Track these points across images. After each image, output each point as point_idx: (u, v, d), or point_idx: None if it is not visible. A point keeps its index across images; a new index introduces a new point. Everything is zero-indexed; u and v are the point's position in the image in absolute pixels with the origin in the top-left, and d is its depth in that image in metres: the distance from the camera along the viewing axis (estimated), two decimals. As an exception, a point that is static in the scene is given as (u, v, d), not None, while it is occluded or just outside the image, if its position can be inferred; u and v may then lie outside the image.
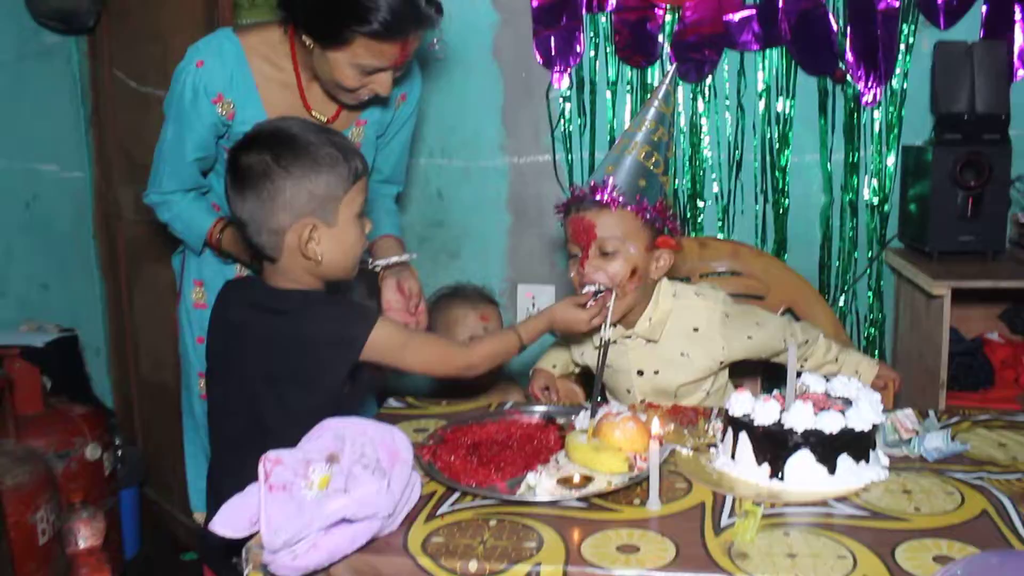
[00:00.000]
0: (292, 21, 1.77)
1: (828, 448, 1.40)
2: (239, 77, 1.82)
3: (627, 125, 1.96)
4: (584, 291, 1.75)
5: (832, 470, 1.41)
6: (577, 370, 2.10)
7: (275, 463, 1.27)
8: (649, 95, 1.99)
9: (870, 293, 2.65)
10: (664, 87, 1.85)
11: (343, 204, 1.58)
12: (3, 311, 2.90)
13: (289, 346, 1.60)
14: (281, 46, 1.85)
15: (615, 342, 1.87)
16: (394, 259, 1.95)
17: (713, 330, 1.84)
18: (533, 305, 2.82)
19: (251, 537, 1.26)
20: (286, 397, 1.60)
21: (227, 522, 1.25)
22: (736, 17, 2.56)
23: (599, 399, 1.63)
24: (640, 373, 1.90)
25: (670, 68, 2.02)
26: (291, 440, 1.36)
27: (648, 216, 1.76)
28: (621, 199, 1.74)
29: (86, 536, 2.34)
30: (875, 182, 2.60)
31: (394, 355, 1.64)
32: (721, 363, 1.88)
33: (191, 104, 1.81)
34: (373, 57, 1.71)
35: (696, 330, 1.85)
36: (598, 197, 1.74)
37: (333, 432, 1.35)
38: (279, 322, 1.61)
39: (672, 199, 1.92)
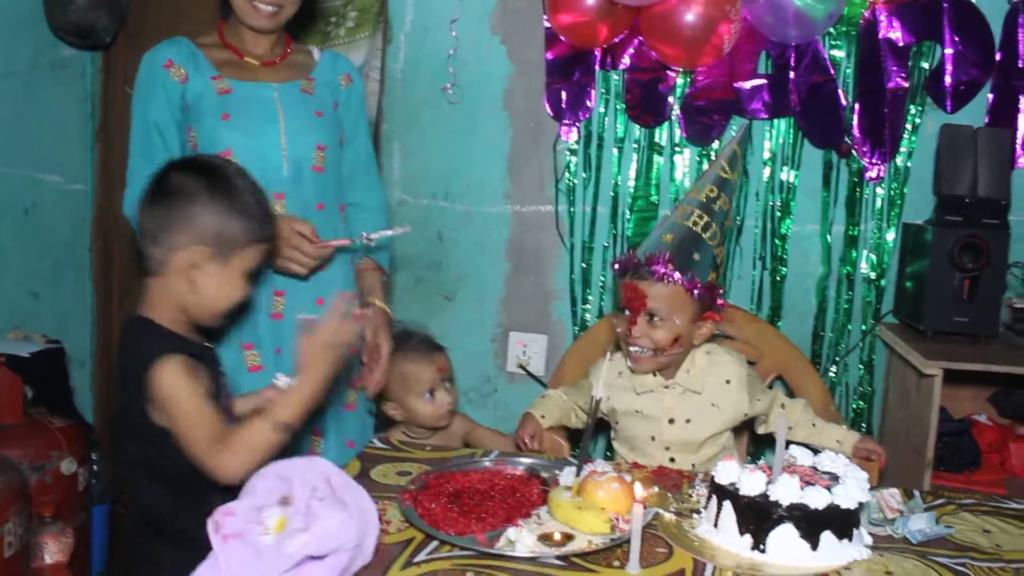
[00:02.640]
0: None
1: (812, 524, 1.39)
2: (187, 52, 1.98)
3: (695, 188, 1.99)
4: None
5: (815, 546, 1.40)
6: (574, 420, 2.09)
7: (225, 514, 1.28)
8: (718, 154, 2.01)
9: (861, 366, 2.65)
10: (731, 147, 1.96)
11: (241, 255, 1.61)
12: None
13: (121, 378, 1.62)
14: (216, 33, 2.05)
15: (652, 391, 1.98)
16: (388, 232, 2.00)
17: (741, 385, 1.98)
18: (524, 353, 2.81)
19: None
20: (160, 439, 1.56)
21: None
22: (747, 85, 2.59)
23: (585, 457, 1.62)
24: (671, 421, 1.98)
25: (742, 125, 2.05)
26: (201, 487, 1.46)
27: (697, 294, 1.88)
28: (676, 275, 1.86)
29: (53, 551, 2.31)
30: (873, 257, 2.61)
31: (169, 404, 1.53)
32: (745, 415, 2.00)
33: (147, 77, 1.96)
34: None
35: (728, 382, 1.99)
36: (653, 269, 1.85)
37: (275, 475, 1.35)
38: (120, 352, 1.66)
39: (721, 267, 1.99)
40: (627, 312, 1.91)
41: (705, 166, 2.62)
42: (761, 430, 2.05)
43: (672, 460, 1.99)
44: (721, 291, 1.98)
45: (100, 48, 3.06)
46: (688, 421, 1.98)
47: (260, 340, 1.97)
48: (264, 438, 1.52)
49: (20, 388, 2.57)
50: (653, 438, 2.00)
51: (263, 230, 1.63)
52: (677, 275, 1.86)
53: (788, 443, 1.55)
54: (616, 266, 1.95)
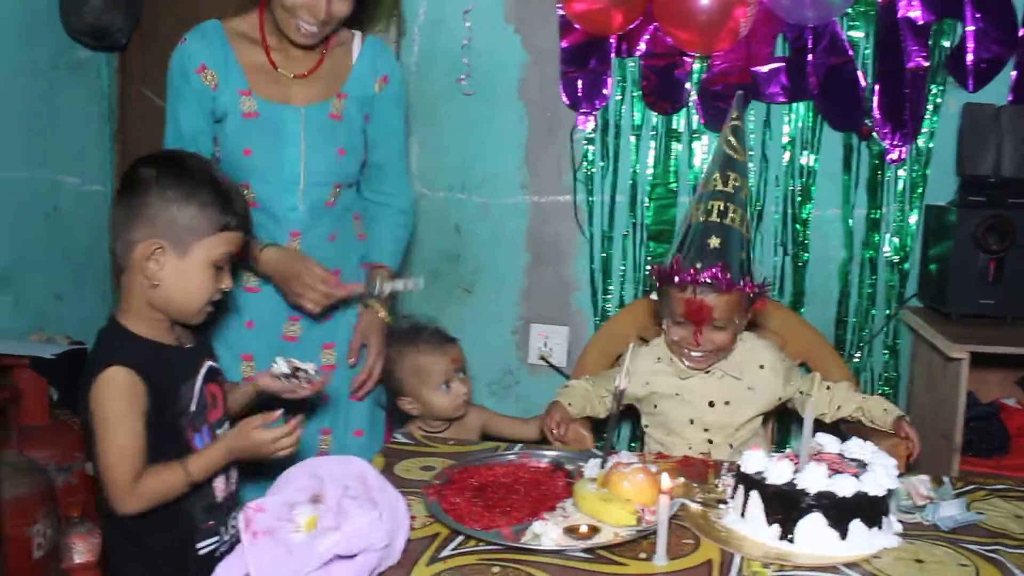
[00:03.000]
0: None
1: (840, 512, 1.38)
2: (219, 52, 1.93)
3: (715, 180, 1.93)
4: (273, 413, 1.59)
5: (844, 535, 1.38)
6: (599, 409, 2.09)
7: (256, 510, 1.28)
8: (722, 138, 1.97)
9: (886, 351, 2.62)
10: (731, 125, 1.95)
11: (200, 245, 1.58)
12: (16, 320, 2.90)
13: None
14: (255, 20, 1.97)
15: (694, 375, 2.00)
16: (400, 284, 1.97)
17: (775, 369, 2.02)
18: (546, 344, 2.80)
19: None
20: None
21: None
22: (765, 69, 2.56)
23: (609, 448, 1.61)
24: (711, 404, 2.01)
25: (737, 96, 2.01)
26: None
27: (752, 293, 1.92)
28: (740, 284, 1.89)
29: (82, 551, 2.32)
30: (896, 240, 2.58)
31: (98, 423, 1.51)
32: (779, 399, 2.04)
33: (180, 79, 1.93)
34: None
35: (762, 367, 2.02)
36: (716, 282, 1.86)
37: (307, 472, 1.35)
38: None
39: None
40: (684, 322, 1.92)
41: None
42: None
43: (710, 442, 2.00)
44: (769, 284, 2.03)
45: (116, 49, 3.06)
46: (727, 404, 2.00)
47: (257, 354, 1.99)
48: (172, 489, 1.53)
49: (45, 390, 2.58)
50: (692, 421, 2.01)
51: (224, 218, 1.59)
52: (741, 283, 1.88)
53: (820, 428, 1.54)
54: (673, 279, 1.90)
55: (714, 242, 1.88)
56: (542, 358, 2.81)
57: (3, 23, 2.74)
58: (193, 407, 1.61)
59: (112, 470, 1.50)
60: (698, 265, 1.87)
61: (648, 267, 2.11)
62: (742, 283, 1.88)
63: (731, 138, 1.95)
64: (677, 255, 1.92)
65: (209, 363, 1.68)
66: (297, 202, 1.97)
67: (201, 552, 1.61)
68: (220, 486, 1.64)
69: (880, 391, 2.62)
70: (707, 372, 2.00)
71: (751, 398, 2.01)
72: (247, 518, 1.31)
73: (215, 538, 1.63)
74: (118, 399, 1.50)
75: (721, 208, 1.90)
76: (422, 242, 2.83)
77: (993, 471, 2.23)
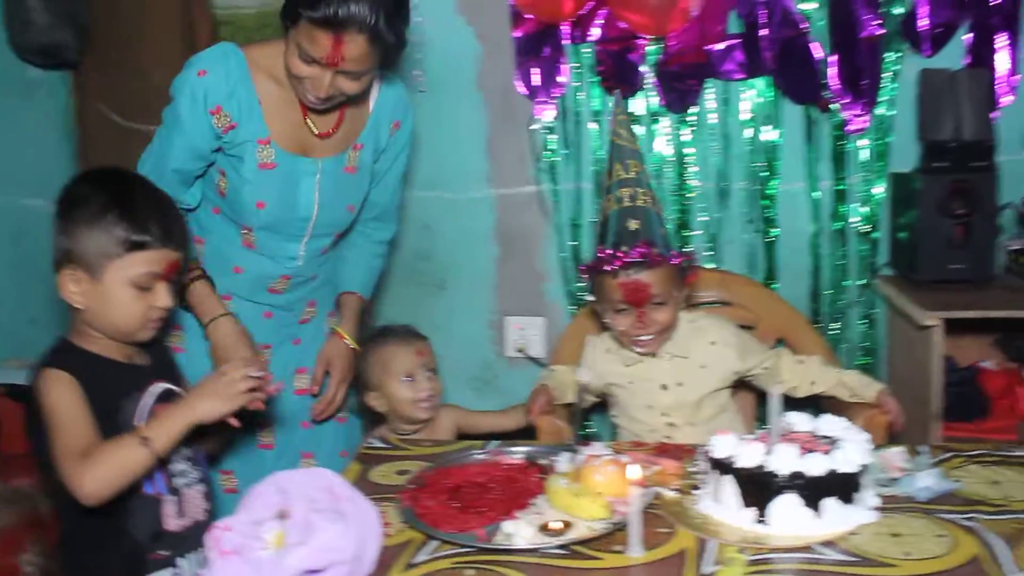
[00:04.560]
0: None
1: (814, 491, 1.37)
2: (242, 90, 1.82)
3: (611, 169, 1.98)
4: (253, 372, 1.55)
5: (818, 513, 1.37)
6: (572, 398, 2.08)
7: (224, 529, 1.27)
8: (612, 133, 2.01)
9: (863, 321, 2.62)
10: (616, 121, 1.99)
11: (113, 267, 1.54)
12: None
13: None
14: (283, 59, 1.83)
15: (641, 361, 2.01)
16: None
17: (727, 344, 2.03)
18: (522, 336, 2.79)
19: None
20: None
21: None
22: (719, 47, 2.54)
23: (580, 440, 1.60)
24: (664, 387, 2.01)
25: (615, 99, 2.10)
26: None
27: (679, 262, 1.93)
28: (666, 255, 1.90)
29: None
30: (864, 210, 2.57)
31: (46, 417, 1.50)
32: (736, 373, 2.05)
33: (188, 111, 1.81)
34: (310, 44, 1.70)
35: (713, 344, 2.03)
36: (647, 258, 1.87)
37: (274, 488, 1.34)
38: None
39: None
40: (625, 308, 1.92)
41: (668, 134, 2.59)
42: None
43: (671, 425, 2.00)
44: (695, 253, 2.07)
45: (67, 67, 3.01)
46: (680, 385, 2.00)
47: None
48: (128, 453, 1.47)
49: (23, 417, 2.55)
50: (650, 407, 2.02)
51: (135, 237, 1.53)
52: (668, 254, 1.90)
53: (794, 403, 1.53)
54: (604, 268, 1.91)
55: (633, 224, 1.90)
56: (519, 350, 2.79)
57: (-52, 50, 2.71)
58: (136, 423, 1.56)
59: (63, 452, 1.47)
60: (624, 248, 1.88)
61: (578, 269, 2.12)
62: (669, 254, 1.91)
63: (621, 130, 1.98)
64: (600, 246, 1.93)
65: (165, 385, 1.64)
66: (299, 252, 1.97)
67: None
68: (170, 512, 1.60)
69: (859, 362, 2.62)
70: (654, 356, 2.00)
71: (704, 376, 2.01)
72: (215, 537, 1.29)
73: (169, 569, 1.59)
74: (60, 392, 1.50)
75: (631, 194, 1.92)
76: (395, 242, 2.81)
77: (976, 435, 2.24)
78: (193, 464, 1.66)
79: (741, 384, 2.13)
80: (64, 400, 1.50)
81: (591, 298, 2.05)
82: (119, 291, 1.55)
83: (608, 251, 1.90)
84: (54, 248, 1.58)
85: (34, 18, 2.78)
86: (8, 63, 2.89)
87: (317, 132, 1.90)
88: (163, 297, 1.59)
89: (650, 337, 1.96)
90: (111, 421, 1.54)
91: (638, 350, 1.99)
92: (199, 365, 1.88)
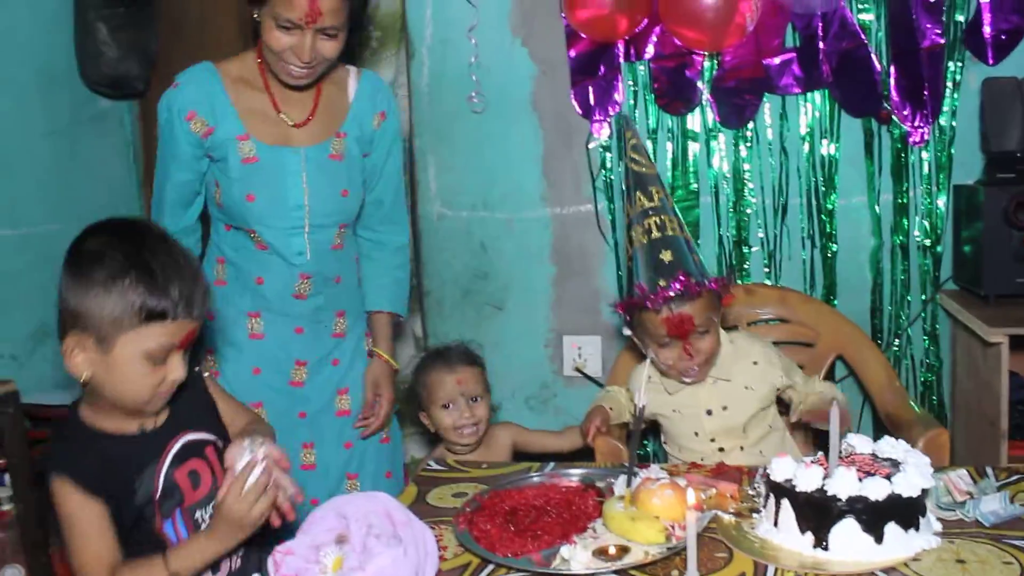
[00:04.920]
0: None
1: (874, 516, 1.35)
2: (215, 96, 1.90)
3: (639, 200, 1.95)
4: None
5: (879, 539, 1.35)
6: (628, 418, 2.09)
7: (285, 554, 1.28)
8: (628, 160, 1.99)
9: (925, 338, 2.57)
10: (628, 144, 1.98)
11: (124, 339, 1.35)
12: (56, 369, 2.96)
13: None
14: (254, 64, 1.94)
15: (684, 388, 1.99)
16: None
17: (769, 361, 2.01)
18: (579, 355, 2.79)
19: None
20: None
21: None
22: (776, 60, 2.53)
23: (637, 463, 1.59)
24: (709, 413, 1.99)
25: (623, 122, 2.11)
26: None
27: (716, 287, 1.91)
28: (703, 283, 1.88)
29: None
30: (926, 223, 2.53)
31: (62, 525, 1.40)
32: (777, 389, 2.02)
33: (167, 124, 1.90)
34: (286, 8, 1.77)
35: (756, 364, 2.01)
36: (684, 290, 1.85)
37: (334, 513, 1.35)
38: None
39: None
40: (669, 342, 1.91)
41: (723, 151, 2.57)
42: (793, 418, 2.00)
43: (721, 450, 1.99)
44: (729, 276, 2.05)
45: (135, 96, 3.11)
46: (725, 408, 1.99)
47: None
48: None
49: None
50: (696, 433, 2.01)
51: (153, 305, 1.35)
52: (706, 283, 1.89)
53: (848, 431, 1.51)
54: (645, 304, 1.89)
55: (666, 256, 1.88)
56: (577, 369, 2.80)
57: (24, 83, 2.80)
58: (159, 493, 1.44)
59: (86, 568, 1.39)
60: (661, 283, 1.87)
61: (611, 306, 2.08)
62: (707, 282, 1.89)
63: (635, 156, 1.96)
64: (638, 283, 1.91)
65: (184, 440, 1.50)
66: (305, 246, 1.96)
67: None
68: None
69: (922, 379, 2.57)
70: (695, 383, 1.99)
71: (749, 396, 1.99)
72: (276, 562, 1.32)
73: None
74: (76, 505, 1.39)
75: (658, 223, 1.90)
76: (449, 262, 2.84)
77: (1045, 454, 2.18)
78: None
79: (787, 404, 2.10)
80: (82, 514, 1.39)
81: (628, 332, 2.02)
82: (130, 364, 1.37)
83: (644, 286, 1.89)
84: (59, 309, 1.39)
85: (104, 50, 2.88)
86: (79, 93, 2.99)
87: (293, 122, 1.94)
88: (177, 369, 1.42)
89: (697, 368, 1.94)
90: (128, 501, 1.42)
91: (687, 380, 1.97)
92: (239, 390, 1.85)
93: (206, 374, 1.67)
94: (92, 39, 2.88)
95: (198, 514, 1.49)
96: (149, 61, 3.01)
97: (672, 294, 1.86)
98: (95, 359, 1.37)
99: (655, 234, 1.90)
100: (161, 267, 1.37)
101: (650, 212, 1.91)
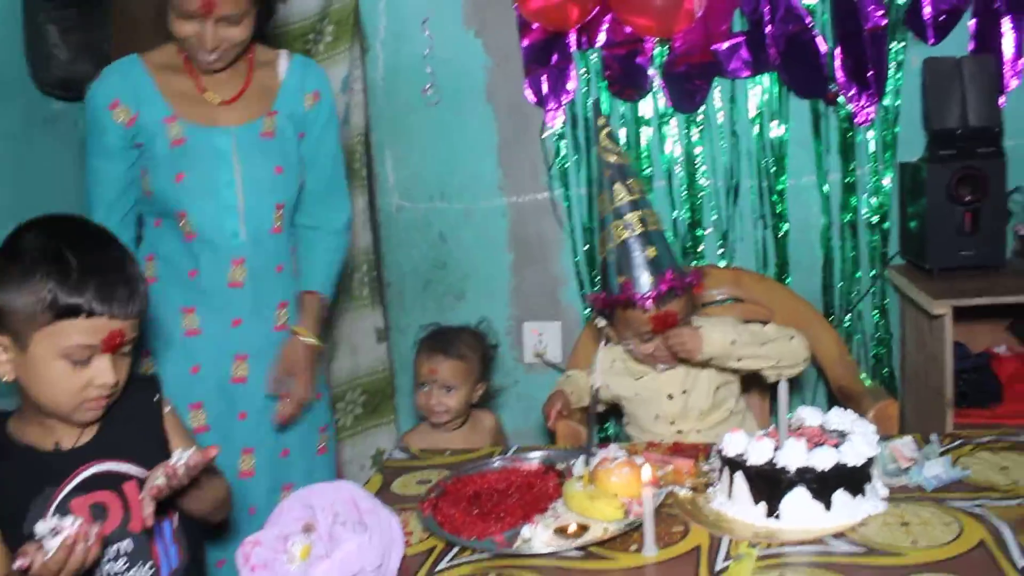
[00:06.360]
0: None
1: (823, 484, 1.40)
2: (138, 83, 1.90)
3: (611, 191, 1.97)
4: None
5: (828, 506, 1.40)
6: (588, 402, 2.12)
7: (254, 544, 1.31)
8: (602, 151, 2.00)
9: (875, 312, 2.64)
10: (601, 135, 1.99)
11: (38, 336, 1.30)
12: None
13: None
14: (175, 50, 1.93)
15: (648, 374, 2.04)
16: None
17: (713, 324, 2.02)
18: (540, 342, 2.83)
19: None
20: None
21: None
22: (725, 45, 2.57)
23: (595, 443, 1.63)
24: (670, 397, 2.04)
25: (595, 113, 2.15)
26: None
27: (691, 281, 1.96)
28: (689, 279, 1.94)
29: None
30: (874, 201, 2.59)
31: None
32: (728, 355, 1.98)
33: (93, 118, 1.92)
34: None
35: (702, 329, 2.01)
36: (673, 289, 1.90)
37: (301, 503, 1.38)
38: None
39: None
40: (650, 335, 1.95)
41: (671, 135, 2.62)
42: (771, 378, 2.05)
43: (679, 432, 2.04)
44: (695, 268, 2.10)
45: (87, 97, 3.09)
46: (684, 392, 2.04)
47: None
48: None
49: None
50: (657, 416, 2.06)
51: (66, 301, 1.29)
52: (689, 279, 1.94)
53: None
54: (634, 303, 1.92)
55: (651, 252, 1.92)
56: (537, 355, 2.83)
57: (-29, 88, 2.78)
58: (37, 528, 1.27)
59: None
60: (650, 281, 1.90)
61: (587, 301, 2.12)
62: (688, 277, 1.94)
63: (610, 145, 1.99)
64: (623, 279, 1.92)
65: (100, 468, 1.40)
66: (239, 226, 1.91)
67: None
68: None
69: (874, 352, 2.64)
70: (654, 368, 2.04)
71: (706, 374, 2.03)
72: (245, 553, 1.34)
73: None
74: None
75: (640, 217, 1.93)
76: (409, 253, 2.86)
77: (991, 421, 2.25)
78: (131, 558, 1.43)
79: (753, 383, 2.15)
80: None
81: (602, 323, 2.05)
82: (47, 364, 1.31)
83: (631, 284, 1.91)
84: None
85: (55, 52, 2.85)
86: (31, 96, 2.96)
87: (219, 101, 1.93)
88: (104, 373, 1.34)
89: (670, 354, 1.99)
90: (16, 527, 1.33)
91: (662, 367, 2.03)
92: (178, 391, 1.77)
93: (167, 409, 1.57)
94: (43, 41, 2.85)
95: (113, 547, 1.40)
96: (102, 62, 2.99)
97: (662, 291, 1.90)
98: (16, 359, 1.32)
99: (638, 229, 1.93)
100: (79, 262, 1.32)
101: (631, 206, 1.94)
